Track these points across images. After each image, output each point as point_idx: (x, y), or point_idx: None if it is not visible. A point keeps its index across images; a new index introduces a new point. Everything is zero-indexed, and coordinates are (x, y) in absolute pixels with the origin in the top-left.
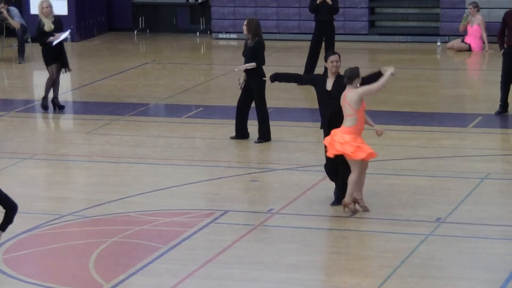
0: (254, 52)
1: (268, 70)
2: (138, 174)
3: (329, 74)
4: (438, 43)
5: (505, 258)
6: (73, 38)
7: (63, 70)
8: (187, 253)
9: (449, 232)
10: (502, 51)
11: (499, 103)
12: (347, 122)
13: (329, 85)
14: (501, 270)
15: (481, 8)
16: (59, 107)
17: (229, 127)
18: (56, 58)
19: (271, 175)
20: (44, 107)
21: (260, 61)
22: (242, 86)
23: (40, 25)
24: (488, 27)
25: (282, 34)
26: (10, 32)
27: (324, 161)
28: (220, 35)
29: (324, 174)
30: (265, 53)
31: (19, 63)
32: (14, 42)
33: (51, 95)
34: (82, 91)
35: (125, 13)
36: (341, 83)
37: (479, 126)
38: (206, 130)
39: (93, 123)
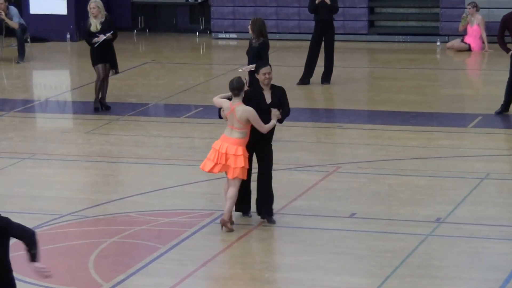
0: (259, 53)
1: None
2: (137, 174)
3: (263, 86)
4: (438, 43)
5: (505, 258)
6: (72, 37)
7: (112, 71)
8: (187, 253)
9: (448, 232)
10: (510, 53)
11: (501, 102)
12: (237, 134)
13: (267, 98)
14: (501, 270)
15: (481, 8)
16: (105, 108)
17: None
18: (102, 59)
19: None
20: (95, 108)
21: (265, 62)
22: (249, 84)
23: (87, 26)
24: (488, 26)
25: (281, 33)
26: (10, 31)
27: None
28: (220, 35)
29: (324, 173)
30: None
31: (18, 63)
32: (13, 42)
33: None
34: (82, 91)
35: (125, 13)
36: (277, 93)
37: (479, 126)
38: (206, 130)
39: (93, 123)
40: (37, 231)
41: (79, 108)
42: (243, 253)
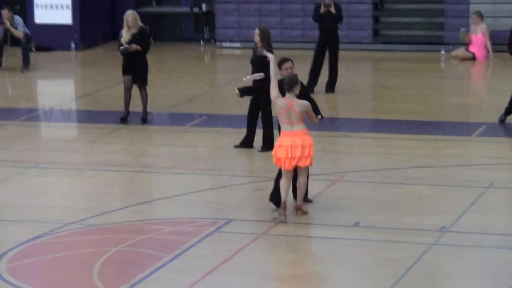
0: (263, 62)
1: None
2: (141, 182)
3: None
4: (442, 52)
5: (510, 267)
6: (76, 47)
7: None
8: (191, 262)
9: (453, 241)
10: None
11: (505, 107)
12: (300, 126)
13: None
14: (506, 279)
15: (486, 17)
16: (142, 120)
17: (233, 135)
18: (127, 70)
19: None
20: (121, 119)
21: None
22: (247, 78)
23: (119, 36)
24: (493, 35)
25: (286, 43)
26: (15, 41)
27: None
28: (224, 44)
29: (329, 183)
30: None
31: (22, 72)
32: (18, 51)
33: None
34: (86, 100)
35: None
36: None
37: (483, 135)
38: (210, 138)
39: (97, 132)
40: (41, 240)
41: (83, 117)
42: (246, 262)
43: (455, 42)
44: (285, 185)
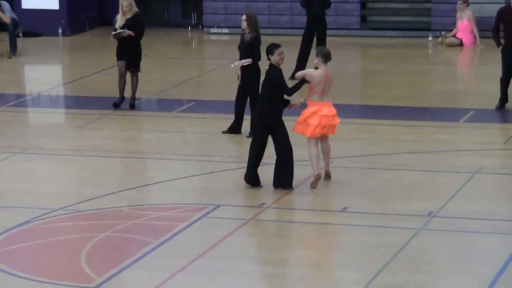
0: (251, 47)
1: (263, 65)
2: (129, 168)
3: (276, 66)
4: (430, 38)
5: (497, 252)
6: (64, 32)
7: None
8: (179, 248)
9: (440, 226)
10: (501, 47)
11: (495, 97)
12: (328, 98)
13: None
14: (493, 264)
15: (473, 3)
16: (130, 106)
17: (221, 121)
18: (121, 55)
19: (263, 169)
20: (114, 104)
21: (256, 57)
22: (240, 78)
23: (114, 21)
24: (480, 22)
25: (274, 28)
26: (2, 26)
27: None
28: (212, 30)
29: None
30: None
31: (10, 57)
32: (5, 37)
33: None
34: (74, 86)
35: (117, 8)
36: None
37: (471, 121)
38: (198, 124)
39: (85, 117)
40: (29, 225)
41: (71, 102)
42: (235, 248)
43: (443, 28)
44: (317, 154)
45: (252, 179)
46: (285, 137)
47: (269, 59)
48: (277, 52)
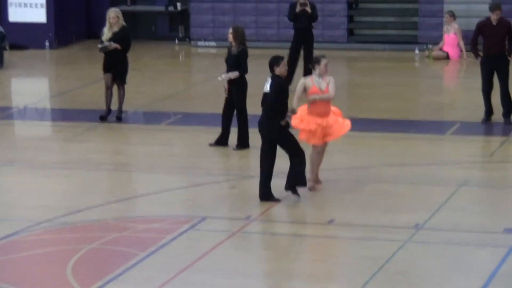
0: (238, 61)
1: (249, 78)
2: (116, 181)
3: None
4: (417, 51)
5: (483, 265)
6: (51, 45)
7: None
8: (165, 260)
9: (427, 239)
10: (479, 59)
11: (481, 110)
12: None
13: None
14: (479, 277)
15: (459, 16)
16: (116, 119)
17: (208, 134)
18: (108, 68)
19: (249, 182)
20: (101, 117)
21: (244, 70)
22: (227, 91)
23: (101, 33)
24: (466, 35)
25: (261, 42)
26: None
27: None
28: (199, 43)
29: None
30: None
31: None
32: None
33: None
34: (61, 98)
35: (104, 21)
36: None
37: (457, 133)
38: (185, 137)
39: (72, 130)
40: (15, 238)
41: (58, 115)
42: (221, 260)
43: (430, 41)
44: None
45: (268, 194)
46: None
47: (272, 71)
48: (282, 63)
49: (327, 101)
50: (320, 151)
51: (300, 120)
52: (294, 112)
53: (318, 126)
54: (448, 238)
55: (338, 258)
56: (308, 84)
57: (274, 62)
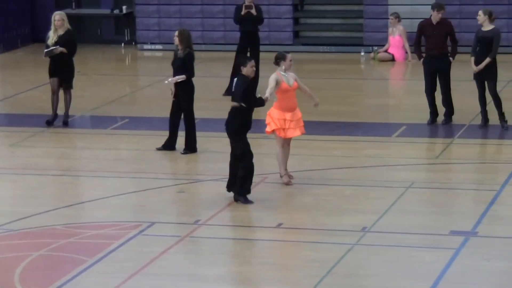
0: (184, 64)
1: (196, 81)
2: (63, 186)
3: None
4: (362, 53)
5: (430, 267)
6: None
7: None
8: (114, 266)
9: (374, 241)
10: (422, 60)
11: (426, 112)
12: None
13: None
14: (426, 278)
15: (404, 18)
16: (63, 123)
17: (155, 138)
18: (54, 72)
19: (197, 186)
20: (47, 122)
21: (190, 73)
22: (174, 94)
23: (46, 37)
24: (411, 37)
25: (207, 44)
26: None
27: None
28: (145, 46)
29: (252, 184)
30: None
31: None
32: None
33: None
34: (6, 103)
35: (49, 25)
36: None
37: (403, 136)
38: (132, 141)
39: (18, 135)
40: None
41: (4, 120)
42: (170, 265)
43: (375, 43)
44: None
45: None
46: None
47: (240, 71)
48: (249, 64)
49: (294, 96)
50: (287, 144)
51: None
52: (267, 99)
53: (287, 121)
54: (396, 241)
55: (286, 261)
56: (279, 80)
57: (241, 62)
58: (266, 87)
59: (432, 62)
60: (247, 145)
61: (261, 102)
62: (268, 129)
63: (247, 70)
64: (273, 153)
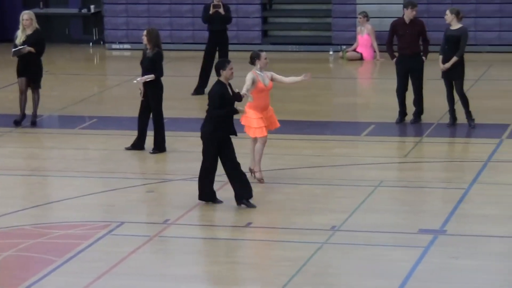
0: (153, 63)
1: (164, 80)
2: (32, 186)
3: (225, 81)
4: (331, 52)
5: (399, 265)
6: None
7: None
8: (83, 266)
9: (344, 240)
10: (395, 59)
11: (398, 111)
12: None
13: (229, 90)
14: (395, 277)
15: (372, 17)
16: (31, 123)
17: (124, 138)
18: (22, 72)
19: (167, 185)
20: (15, 122)
21: (159, 72)
22: (143, 94)
23: (15, 37)
24: (380, 36)
25: (176, 44)
26: None
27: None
28: (114, 46)
29: (220, 184)
30: None
31: None
32: None
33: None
34: None
35: (17, 24)
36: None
37: (372, 134)
38: (100, 141)
39: None
40: None
41: None
42: (140, 265)
43: (343, 42)
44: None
45: (208, 195)
46: (234, 154)
47: (219, 74)
48: (228, 67)
49: (268, 95)
50: (264, 141)
51: (247, 124)
52: (244, 95)
53: (263, 120)
54: (365, 239)
55: (256, 260)
56: (255, 79)
57: (221, 65)
58: (238, 86)
59: (405, 62)
60: (212, 160)
61: (238, 98)
62: (251, 134)
63: (226, 73)
64: (242, 152)
